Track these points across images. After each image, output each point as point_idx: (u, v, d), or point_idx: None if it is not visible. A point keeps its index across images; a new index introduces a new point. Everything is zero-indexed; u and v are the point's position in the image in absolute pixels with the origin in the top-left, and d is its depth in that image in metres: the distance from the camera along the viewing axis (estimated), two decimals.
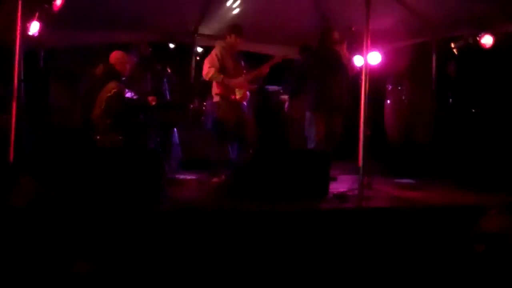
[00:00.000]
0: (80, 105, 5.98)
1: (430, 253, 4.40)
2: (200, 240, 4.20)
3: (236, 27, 6.50)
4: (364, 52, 5.44)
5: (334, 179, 6.17)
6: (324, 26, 6.74)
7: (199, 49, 8.83)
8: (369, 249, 4.42)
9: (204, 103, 7.60)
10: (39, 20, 5.66)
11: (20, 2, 4.97)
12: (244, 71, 6.49)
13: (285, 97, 7.51)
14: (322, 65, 6.48)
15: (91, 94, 5.79)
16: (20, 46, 5.07)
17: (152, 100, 6.17)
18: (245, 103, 6.60)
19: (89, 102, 5.77)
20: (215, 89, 6.49)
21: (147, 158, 5.04)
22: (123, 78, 5.96)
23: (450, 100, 7.24)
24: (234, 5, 7.73)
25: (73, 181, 4.60)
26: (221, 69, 6.35)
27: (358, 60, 6.62)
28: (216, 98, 6.50)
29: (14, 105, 4.96)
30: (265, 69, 6.54)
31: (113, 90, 5.70)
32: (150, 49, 7.35)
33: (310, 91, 6.54)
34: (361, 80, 5.44)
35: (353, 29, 6.30)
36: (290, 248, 4.29)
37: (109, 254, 3.91)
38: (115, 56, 5.97)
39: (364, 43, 5.42)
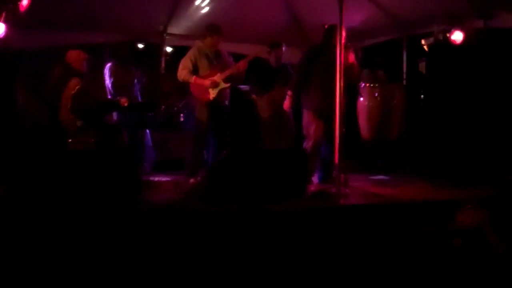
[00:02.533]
0: (46, 108, 5.88)
1: (409, 249, 4.42)
2: (178, 241, 4.13)
3: (216, 27, 6.49)
4: (338, 49, 5.41)
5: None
6: (331, 23, 6.42)
7: (169, 49, 8.74)
8: (350, 246, 4.41)
9: (177, 104, 7.53)
10: (5, 21, 5.52)
11: None
12: (219, 71, 6.44)
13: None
14: (324, 65, 6.09)
15: (55, 94, 5.72)
16: None
17: (124, 101, 6.09)
18: (226, 102, 6.61)
19: (54, 103, 5.68)
20: (190, 90, 6.50)
21: (121, 160, 4.97)
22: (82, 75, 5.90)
23: (422, 96, 7.29)
24: (203, 4, 7.66)
25: (45, 185, 4.50)
26: (194, 70, 6.42)
27: None
28: (192, 99, 6.53)
29: None
30: (242, 66, 6.48)
31: (77, 87, 5.68)
32: (127, 50, 7.28)
33: (311, 89, 6.26)
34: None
35: (325, 27, 6.31)
36: (269, 248, 4.25)
37: (85, 257, 3.82)
38: (71, 54, 5.94)
39: (338, 40, 5.41)
